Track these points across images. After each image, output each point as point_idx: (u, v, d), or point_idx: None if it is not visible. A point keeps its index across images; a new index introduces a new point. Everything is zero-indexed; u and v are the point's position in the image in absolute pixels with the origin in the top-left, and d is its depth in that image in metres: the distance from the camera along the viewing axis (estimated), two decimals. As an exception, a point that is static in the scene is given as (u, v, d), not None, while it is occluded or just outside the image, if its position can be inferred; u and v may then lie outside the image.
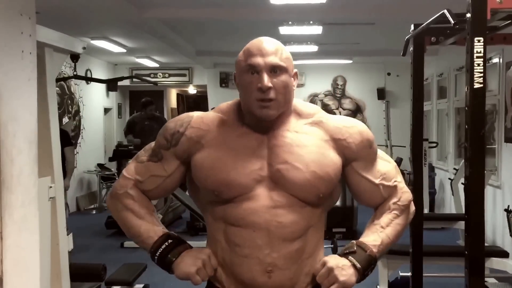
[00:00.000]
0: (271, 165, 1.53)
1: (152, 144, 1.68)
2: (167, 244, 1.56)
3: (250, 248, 1.51)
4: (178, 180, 1.64)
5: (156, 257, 1.57)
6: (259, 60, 1.50)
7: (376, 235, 1.57)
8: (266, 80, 1.49)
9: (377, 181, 1.61)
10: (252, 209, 1.51)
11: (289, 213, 1.52)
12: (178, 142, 1.59)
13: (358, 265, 1.51)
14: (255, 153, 1.54)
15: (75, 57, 3.15)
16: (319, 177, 1.52)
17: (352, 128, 1.60)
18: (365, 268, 1.52)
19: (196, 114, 1.64)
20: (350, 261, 1.51)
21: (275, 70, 1.51)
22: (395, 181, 1.64)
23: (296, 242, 1.53)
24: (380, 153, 1.67)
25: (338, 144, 1.57)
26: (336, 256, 1.54)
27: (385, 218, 1.60)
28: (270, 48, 1.52)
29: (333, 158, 1.55)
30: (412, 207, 1.68)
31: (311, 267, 1.56)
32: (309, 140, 1.56)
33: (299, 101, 1.66)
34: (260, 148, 1.55)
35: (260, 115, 1.52)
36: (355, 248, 1.54)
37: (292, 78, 1.57)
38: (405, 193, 1.64)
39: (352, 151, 1.58)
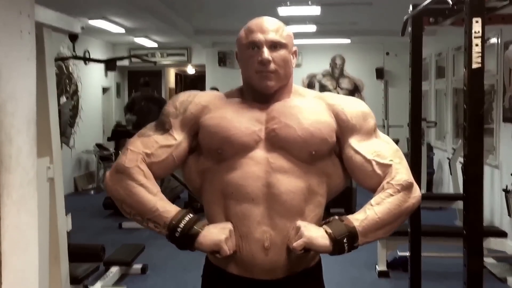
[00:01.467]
0: (267, 127, 1.58)
1: (153, 122, 1.68)
2: (189, 216, 1.53)
3: (248, 225, 1.52)
4: (186, 151, 1.62)
5: (178, 230, 1.52)
6: (259, 36, 1.57)
7: (362, 212, 1.53)
8: (267, 53, 1.55)
9: (369, 156, 1.57)
10: (252, 173, 1.54)
11: (286, 180, 1.54)
12: (187, 109, 1.62)
13: (329, 230, 1.48)
14: (255, 117, 1.59)
15: (73, 37, 3.13)
16: (310, 133, 1.55)
17: (350, 100, 1.66)
18: (338, 235, 1.47)
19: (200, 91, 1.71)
20: (323, 228, 1.50)
21: (275, 45, 1.57)
22: (390, 160, 1.57)
23: (293, 219, 1.53)
24: (381, 134, 1.66)
25: (334, 109, 1.61)
26: (308, 223, 1.53)
27: (377, 197, 1.54)
28: (271, 26, 1.59)
29: (327, 119, 1.59)
30: (415, 192, 1.57)
31: None
32: (305, 104, 1.61)
33: (302, 87, 1.73)
34: (260, 113, 1.59)
35: (260, 85, 1.57)
36: (331, 219, 1.52)
37: (292, 55, 1.62)
38: (400, 174, 1.56)
39: (346, 120, 1.60)
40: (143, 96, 8.10)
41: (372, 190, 1.60)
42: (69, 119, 8.92)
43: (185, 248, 1.55)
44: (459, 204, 5.00)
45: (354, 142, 1.59)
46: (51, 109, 2.69)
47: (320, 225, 1.53)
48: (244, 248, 1.53)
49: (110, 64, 9.18)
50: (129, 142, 1.63)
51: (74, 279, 3.32)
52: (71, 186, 8.92)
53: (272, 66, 1.55)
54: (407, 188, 1.55)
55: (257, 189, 1.53)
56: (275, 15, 7.59)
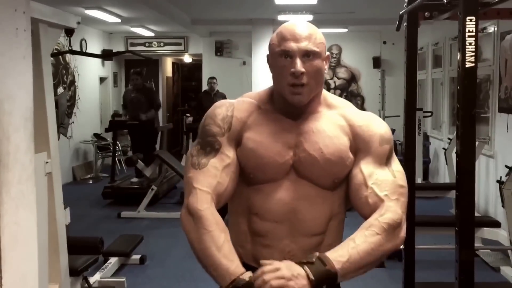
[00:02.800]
0: (295, 154, 1.57)
1: (197, 145, 1.63)
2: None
3: (271, 239, 1.56)
4: (239, 164, 1.60)
5: None
6: (292, 45, 1.52)
7: (345, 250, 1.44)
8: (299, 65, 1.51)
9: (369, 181, 1.53)
10: (277, 200, 1.56)
11: (310, 207, 1.56)
12: (231, 125, 1.60)
13: (312, 277, 1.38)
14: (287, 141, 1.57)
15: (69, 32, 3.13)
16: (331, 161, 1.55)
17: (372, 121, 1.61)
18: (319, 282, 1.39)
19: (233, 100, 1.67)
20: (305, 271, 1.39)
21: (308, 55, 1.53)
22: (386, 195, 1.52)
23: (315, 237, 1.57)
24: (394, 164, 1.60)
25: (352, 129, 1.59)
26: (291, 263, 1.42)
27: (361, 235, 1.46)
28: (303, 33, 1.54)
29: (344, 142, 1.57)
30: (400, 233, 1.51)
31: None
32: (326, 126, 1.59)
33: (330, 94, 1.69)
34: (290, 135, 1.58)
35: (292, 101, 1.55)
36: (314, 260, 1.42)
37: (324, 62, 1.59)
38: (390, 212, 1.49)
39: (363, 139, 1.58)
40: (133, 88, 8.11)
41: (359, 213, 1.57)
42: (66, 109, 8.92)
43: None
44: (454, 193, 5.04)
45: (363, 162, 1.57)
46: (48, 105, 2.70)
47: (300, 262, 1.42)
48: (265, 257, 1.54)
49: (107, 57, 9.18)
50: (192, 180, 1.56)
51: (73, 271, 3.35)
52: (70, 176, 8.94)
53: (305, 78, 1.52)
54: (393, 228, 1.49)
55: (282, 214, 1.56)
56: (272, 4, 7.58)
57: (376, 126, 1.60)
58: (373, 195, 1.52)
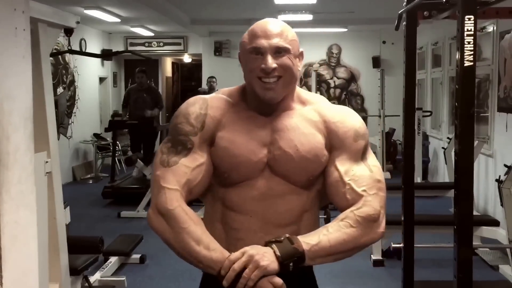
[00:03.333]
0: (269, 150, 1.56)
1: (167, 143, 1.60)
2: None
3: (245, 232, 1.56)
4: (212, 163, 1.59)
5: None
6: (263, 42, 1.52)
7: (316, 236, 1.47)
8: (270, 61, 1.51)
9: (346, 178, 1.53)
10: (251, 197, 1.56)
11: (284, 201, 1.56)
12: (204, 124, 1.57)
13: (278, 253, 1.42)
14: (261, 139, 1.56)
15: (69, 31, 3.13)
16: (306, 159, 1.54)
17: (346, 116, 1.60)
18: (285, 258, 1.42)
19: (206, 96, 1.64)
20: (272, 248, 1.43)
21: (279, 51, 1.52)
22: (364, 190, 1.51)
23: (289, 227, 1.57)
24: (370, 158, 1.59)
25: (327, 125, 1.58)
26: (257, 246, 1.45)
27: (335, 224, 1.49)
28: (275, 30, 1.53)
29: (319, 139, 1.57)
30: (377, 228, 1.51)
31: None
32: (301, 123, 1.58)
33: (304, 90, 1.69)
34: (264, 132, 1.57)
35: (264, 97, 1.54)
36: (282, 239, 1.45)
37: (297, 59, 1.58)
38: (367, 206, 1.49)
39: (337, 135, 1.57)
40: (137, 88, 8.14)
41: (338, 209, 1.57)
42: (66, 109, 8.92)
43: None
44: (453, 193, 5.04)
45: (338, 159, 1.56)
46: (48, 104, 2.70)
47: (268, 241, 1.47)
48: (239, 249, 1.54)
49: (107, 57, 9.19)
50: (159, 178, 1.54)
51: (73, 270, 3.36)
52: (70, 176, 8.95)
53: (276, 73, 1.51)
54: (369, 222, 1.49)
55: (256, 209, 1.56)
56: (271, 4, 7.59)
57: (351, 122, 1.59)
58: (351, 191, 1.52)
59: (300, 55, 1.61)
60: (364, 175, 1.54)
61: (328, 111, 1.61)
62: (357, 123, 1.60)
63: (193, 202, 1.66)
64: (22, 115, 1.94)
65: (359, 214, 1.49)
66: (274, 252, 1.42)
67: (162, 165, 1.56)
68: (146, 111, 7.84)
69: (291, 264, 1.43)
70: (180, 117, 1.59)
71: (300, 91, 1.66)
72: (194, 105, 1.60)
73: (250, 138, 1.56)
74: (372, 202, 1.51)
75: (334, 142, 1.57)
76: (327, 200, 1.65)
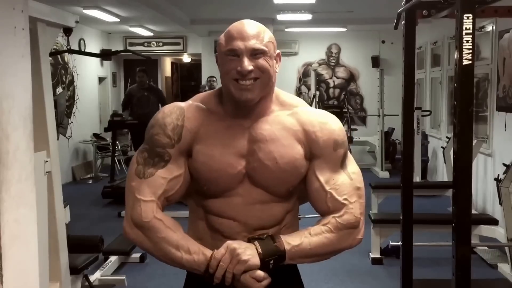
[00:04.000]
0: (248, 162, 1.55)
1: (144, 152, 1.58)
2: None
3: (229, 232, 1.57)
4: (189, 174, 1.59)
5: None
6: (239, 44, 1.50)
7: (298, 237, 1.51)
8: (247, 63, 1.49)
9: (326, 187, 1.55)
10: (233, 205, 1.57)
11: (266, 208, 1.57)
12: (181, 136, 1.55)
13: (259, 250, 1.46)
14: (238, 150, 1.55)
15: (68, 31, 3.13)
16: (286, 171, 1.54)
17: (326, 124, 1.58)
18: (266, 256, 1.47)
19: (182, 104, 1.62)
20: (254, 245, 1.48)
21: (255, 53, 1.51)
22: (345, 199, 1.54)
23: (272, 228, 1.59)
24: (349, 165, 1.60)
25: (307, 135, 1.57)
26: (239, 241, 1.50)
27: (317, 228, 1.53)
28: (251, 32, 1.52)
29: (298, 150, 1.55)
30: (357, 234, 1.56)
31: None
32: (280, 132, 1.56)
33: (283, 92, 1.66)
34: (242, 142, 1.56)
35: (239, 98, 1.52)
36: (265, 237, 1.51)
37: (275, 60, 1.57)
38: (348, 214, 1.53)
39: (317, 145, 1.56)
40: (139, 87, 8.13)
41: (320, 214, 1.59)
42: (65, 109, 8.93)
43: None
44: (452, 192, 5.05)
45: (318, 168, 1.56)
46: (47, 104, 2.71)
47: (251, 238, 1.52)
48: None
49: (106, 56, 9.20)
50: (134, 189, 1.54)
51: (73, 269, 3.36)
52: (69, 176, 8.95)
53: (253, 75, 1.50)
54: (350, 228, 1.54)
55: (238, 215, 1.56)
56: (271, 3, 7.59)
57: (330, 130, 1.58)
58: (332, 199, 1.54)
59: (277, 56, 1.59)
60: (345, 183, 1.56)
61: (307, 118, 1.58)
62: (335, 131, 1.58)
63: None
64: (21, 114, 1.95)
65: (341, 221, 1.53)
66: (256, 248, 1.47)
67: (138, 176, 1.55)
68: (152, 110, 7.85)
69: (271, 262, 1.48)
70: (157, 127, 1.57)
71: (279, 92, 1.64)
72: (171, 116, 1.57)
73: (227, 151, 1.55)
74: (353, 210, 1.54)
75: (314, 152, 1.57)
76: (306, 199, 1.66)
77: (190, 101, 1.64)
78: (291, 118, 1.59)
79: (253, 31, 1.52)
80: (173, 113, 1.58)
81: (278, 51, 1.59)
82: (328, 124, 1.58)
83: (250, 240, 1.51)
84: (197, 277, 1.54)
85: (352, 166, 1.61)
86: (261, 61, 1.51)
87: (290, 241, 1.50)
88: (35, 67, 2.49)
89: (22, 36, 1.91)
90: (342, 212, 1.53)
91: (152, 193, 1.53)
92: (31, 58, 2.10)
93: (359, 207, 1.56)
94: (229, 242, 1.49)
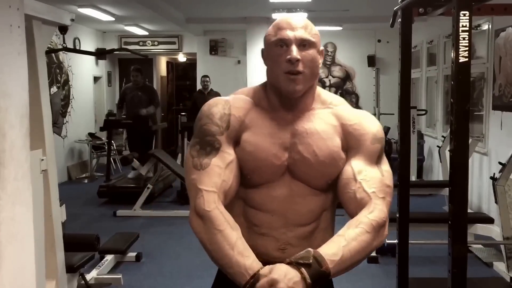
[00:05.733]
0: (290, 155, 1.57)
1: (195, 145, 1.58)
2: None
3: (267, 228, 1.59)
4: (239, 161, 1.58)
5: None
6: (289, 34, 1.53)
7: (337, 247, 1.42)
8: (295, 52, 1.51)
9: (358, 177, 1.54)
10: (273, 197, 1.58)
11: (305, 201, 1.59)
12: (229, 123, 1.57)
13: (309, 281, 1.34)
14: (282, 142, 1.58)
15: (63, 29, 3.12)
16: (325, 164, 1.56)
17: (364, 119, 1.61)
18: (315, 284, 1.36)
19: (227, 97, 1.64)
20: (302, 273, 1.35)
21: (304, 44, 1.53)
22: (373, 192, 1.52)
23: (309, 226, 1.61)
24: (384, 164, 1.61)
25: (344, 128, 1.59)
26: (284, 266, 1.36)
27: (352, 232, 1.46)
28: (300, 23, 1.55)
29: (337, 142, 1.58)
30: (385, 231, 1.53)
31: (321, 242, 1.58)
32: (321, 127, 1.59)
33: (324, 90, 1.69)
34: (285, 135, 1.58)
35: (287, 89, 1.54)
36: (311, 261, 1.37)
37: (319, 55, 1.59)
38: (379, 210, 1.50)
39: (354, 137, 1.59)
40: (134, 86, 8.12)
41: (345, 208, 1.58)
42: (60, 109, 8.90)
43: None
44: (447, 191, 5.07)
45: (354, 158, 1.58)
46: (43, 102, 2.69)
47: (296, 262, 1.37)
48: (261, 246, 1.59)
49: (102, 55, 9.17)
50: (196, 181, 1.53)
51: (70, 268, 3.35)
52: (65, 175, 8.93)
53: (301, 66, 1.52)
54: (380, 226, 1.50)
55: (277, 208, 1.58)
56: (266, 2, 7.59)
57: (369, 125, 1.60)
58: (361, 190, 1.53)
59: (322, 53, 1.61)
60: (376, 178, 1.55)
61: (347, 114, 1.62)
62: (375, 127, 1.61)
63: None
64: (18, 112, 1.94)
65: (373, 219, 1.49)
66: (305, 279, 1.34)
67: (196, 169, 1.55)
68: (141, 110, 7.80)
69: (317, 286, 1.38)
70: (204, 118, 1.59)
71: (321, 91, 1.67)
72: (217, 106, 1.59)
73: (273, 142, 1.57)
74: (381, 206, 1.52)
75: (351, 143, 1.58)
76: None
77: (232, 95, 1.67)
78: (331, 115, 1.62)
79: (302, 23, 1.56)
80: (219, 104, 1.60)
81: (321, 47, 1.61)
82: (367, 119, 1.61)
83: (293, 264, 1.36)
84: (228, 280, 1.47)
85: (385, 165, 1.61)
86: (309, 52, 1.54)
87: (332, 256, 1.40)
88: (31, 65, 2.47)
89: (18, 34, 1.91)
90: (372, 209, 1.50)
91: (213, 183, 1.51)
92: (27, 56, 2.09)
93: (386, 205, 1.54)
94: (275, 268, 1.35)
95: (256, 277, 1.37)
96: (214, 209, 1.48)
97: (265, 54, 1.61)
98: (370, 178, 1.54)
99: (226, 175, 1.54)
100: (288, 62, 1.52)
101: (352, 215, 1.53)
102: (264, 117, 1.60)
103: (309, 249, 1.41)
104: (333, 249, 1.42)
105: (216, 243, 1.45)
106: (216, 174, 1.52)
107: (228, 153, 1.56)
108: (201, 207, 1.49)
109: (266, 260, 1.56)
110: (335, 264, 1.40)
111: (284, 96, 1.58)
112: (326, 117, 1.61)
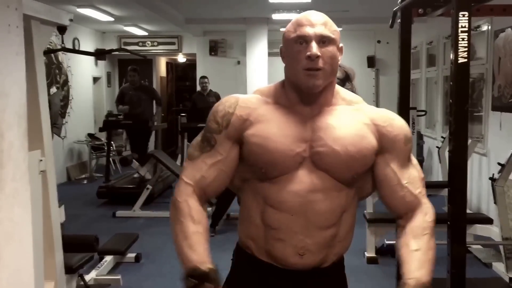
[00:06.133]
0: (312, 146, 1.55)
1: (198, 138, 1.66)
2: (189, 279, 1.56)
3: (285, 233, 1.56)
4: (235, 161, 1.60)
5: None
6: (308, 30, 1.52)
7: (425, 266, 1.54)
8: (315, 48, 1.50)
9: (404, 182, 1.59)
10: (294, 192, 1.55)
11: (326, 199, 1.56)
12: (229, 122, 1.58)
13: None
14: (299, 134, 1.56)
15: (62, 29, 3.11)
16: (355, 159, 1.54)
17: (394, 120, 1.63)
18: None
19: (241, 95, 1.66)
20: None
21: (323, 40, 1.52)
22: (419, 192, 1.61)
23: (330, 230, 1.57)
24: (413, 158, 1.65)
25: (378, 129, 1.59)
26: None
27: (420, 242, 1.56)
28: (319, 20, 1.55)
29: (371, 141, 1.57)
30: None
31: (340, 249, 1.63)
32: (349, 122, 1.58)
33: (342, 88, 1.68)
34: (304, 129, 1.56)
35: (307, 84, 1.52)
36: None
37: (338, 51, 1.58)
38: (429, 209, 1.61)
39: (389, 139, 1.59)
40: (131, 86, 8.12)
41: (393, 211, 1.63)
42: (60, 109, 8.89)
43: None
44: (447, 191, 5.07)
45: (393, 163, 1.59)
46: (42, 102, 2.69)
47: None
48: (278, 251, 1.57)
49: (101, 55, 9.19)
50: (183, 169, 1.64)
51: (69, 269, 3.35)
52: (64, 176, 8.92)
53: (321, 62, 1.50)
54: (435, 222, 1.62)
55: (297, 205, 1.55)
56: (266, 2, 7.59)
57: (400, 126, 1.62)
58: (409, 194, 1.59)
59: (341, 50, 1.60)
60: (416, 177, 1.62)
61: (376, 113, 1.63)
62: (405, 127, 1.64)
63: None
64: (16, 113, 1.93)
65: (431, 221, 1.60)
66: None
67: (189, 159, 1.64)
68: (145, 113, 7.89)
69: None
70: (211, 115, 1.63)
71: (339, 88, 1.65)
72: (225, 104, 1.62)
73: (287, 134, 1.55)
74: (428, 204, 1.62)
75: (386, 145, 1.59)
76: (362, 197, 1.69)
77: (250, 94, 1.69)
78: (357, 112, 1.61)
79: (322, 20, 1.55)
80: (228, 101, 1.63)
81: (341, 44, 1.60)
82: (396, 120, 1.63)
83: None
84: (244, 272, 1.61)
85: (413, 158, 1.66)
86: (329, 49, 1.52)
87: (427, 276, 1.52)
88: (30, 65, 2.47)
89: (16, 34, 1.90)
90: (425, 211, 1.59)
91: (192, 176, 1.60)
92: (26, 56, 2.09)
93: (426, 196, 1.63)
94: None
95: (193, 269, 1.52)
96: (183, 201, 1.58)
97: (284, 51, 1.59)
98: (413, 179, 1.61)
99: (208, 172, 1.59)
100: (307, 58, 1.50)
101: (400, 216, 1.62)
102: (279, 112, 1.59)
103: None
104: (422, 269, 1.52)
105: (174, 231, 1.58)
106: (198, 169, 1.60)
107: (220, 153, 1.59)
108: (175, 196, 1.60)
109: (283, 265, 1.58)
110: (429, 277, 1.52)
111: (303, 92, 1.56)
112: (353, 114, 1.60)
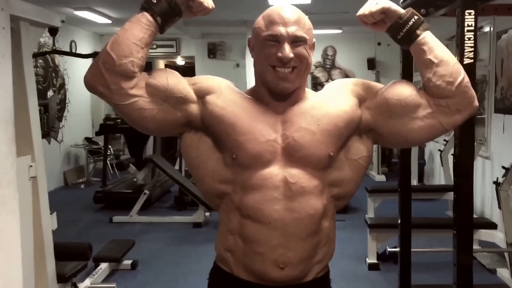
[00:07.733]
0: (285, 135, 1.48)
1: (183, 78, 1.59)
2: None
3: (264, 246, 1.46)
4: (175, 109, 1.51)
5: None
6: (281, 30, 1.45)
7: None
8: (288, 50, 1.44)
9: (405, 96, 1.54)
10: (269, 197, 1.45)
11: (305, 202, 1.47)
12: (202, 81, 1.54)
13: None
14: (270, 124, 1.49)
15: (53, 31, 3.03)
16: (328, 133, 1.48)
17: (342, 80, 1.64)
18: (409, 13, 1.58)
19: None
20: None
21: (296, 40, 1.46)
22: (420, 87, 1.58)
23: (310, 239, 1.48)
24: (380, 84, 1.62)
25: (354, 90, 1.57)
26: None
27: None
28: (292, 17, 1.47)
29: (347, 103, 1.52)
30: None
31: (323, 256, 1.54)
32: (319, 101, 1.54)
33: (312, 91, 1.63)
34: (275, 120, 1.50)
35: (276, 87, 1.47)
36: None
37: (311, 49, 1.53)
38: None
39: (357, 93, 1.56)
40: None
41: (434, 95, 1.58)
42: (56, 113, 8.81)
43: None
44: (450, 195, 4.99)
45: (380, 99, 1.54)
46: (31, 107, 2.59)
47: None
48: (258, 265, 1.47)
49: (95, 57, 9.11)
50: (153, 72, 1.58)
51: (61, 277, 3.27)
52: (61, 180, 8.83)
53: (292, 63, 1.45)
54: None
55: (275, 213, 1.45)
56: (266, 5, 7.51)
57: (343, 80, 1.63)
58: (421, 94, 1.56)
59: (313, 46, 1.54)
60: (406, 87, 1.58)
61: (335, 82, 1.63)
62: (346, 79, 1.64)
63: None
64: (2, 118, 1.86)
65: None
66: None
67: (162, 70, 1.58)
68: None
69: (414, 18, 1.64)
70: (197, 77, 1.58)
71: (309, 92, 1.60)
72: (207, 77, 1.58)
73: (256, 119, 1.49)
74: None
75: (359, 97, 1.55)
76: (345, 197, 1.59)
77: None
78: (324, 89, 1.62)
79: (295, 17, 1.48)
80: (212, 77, 1.58)
81: (313, 40, 1.54)
82: (344, 79, 1.65)
83: None
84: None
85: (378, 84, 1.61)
86: (301, 49, 1.47)
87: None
88: (18, 69, 2.39)
89: (2, 35, 1.83)
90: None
91: (153, 78, 1.53)
92: (14, 59, 2.01)
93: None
94: None
95: None
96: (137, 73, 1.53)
97: (254, 46, 1.53)
98: (404, 90, 1.56)
99: (148, 90, 1.50)
100: (279, 61, 1.45)
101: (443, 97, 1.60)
102: (252, 102, 1.53)
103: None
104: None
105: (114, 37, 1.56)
106: (160, 76, 1.53)
107: (179, 90, 1.51)
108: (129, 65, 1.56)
109: (263, 280, 1.48)
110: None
111: (273, 92, 1.50)
112: (321, 92, 1.59)
